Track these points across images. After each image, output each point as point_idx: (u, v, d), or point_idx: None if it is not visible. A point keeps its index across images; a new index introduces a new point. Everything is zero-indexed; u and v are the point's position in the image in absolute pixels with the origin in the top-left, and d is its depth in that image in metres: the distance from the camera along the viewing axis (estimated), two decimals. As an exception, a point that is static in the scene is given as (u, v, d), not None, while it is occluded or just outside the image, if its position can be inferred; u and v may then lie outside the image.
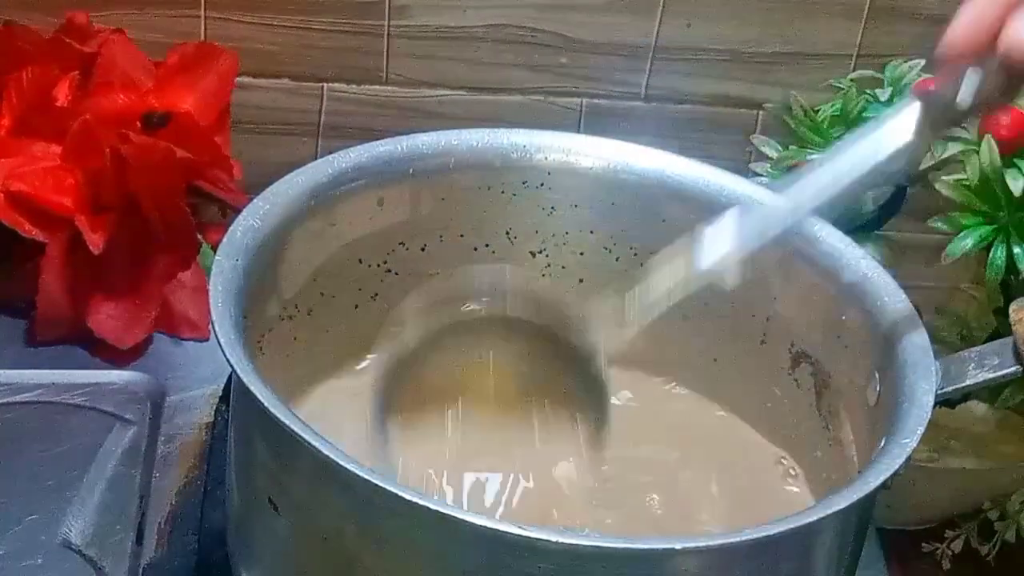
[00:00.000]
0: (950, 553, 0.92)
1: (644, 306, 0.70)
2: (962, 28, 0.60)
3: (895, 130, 0.64)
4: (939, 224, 0.83)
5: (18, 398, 0.81)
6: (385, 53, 0.98)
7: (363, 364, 0.79)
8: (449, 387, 0.73)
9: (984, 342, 0.70)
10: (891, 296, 0.70)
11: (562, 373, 0.72)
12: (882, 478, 0.60)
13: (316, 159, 0.74)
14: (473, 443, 0.72)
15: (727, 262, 0.67)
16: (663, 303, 0.69)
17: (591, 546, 0.57)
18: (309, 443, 0.58)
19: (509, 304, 0.73)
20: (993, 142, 0.80)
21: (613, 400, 0.81)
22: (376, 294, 0.78)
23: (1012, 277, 0.84)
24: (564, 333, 0.72)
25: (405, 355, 0.73)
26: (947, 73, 0.62)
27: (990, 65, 0.61)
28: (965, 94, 0.61)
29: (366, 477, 0.56)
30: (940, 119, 0.64)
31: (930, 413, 0.64)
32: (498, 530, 0.56)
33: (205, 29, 0.96)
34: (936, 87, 0.63)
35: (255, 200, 0.71)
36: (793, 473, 0.77)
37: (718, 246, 0.67)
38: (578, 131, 0.98)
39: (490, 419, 0.73)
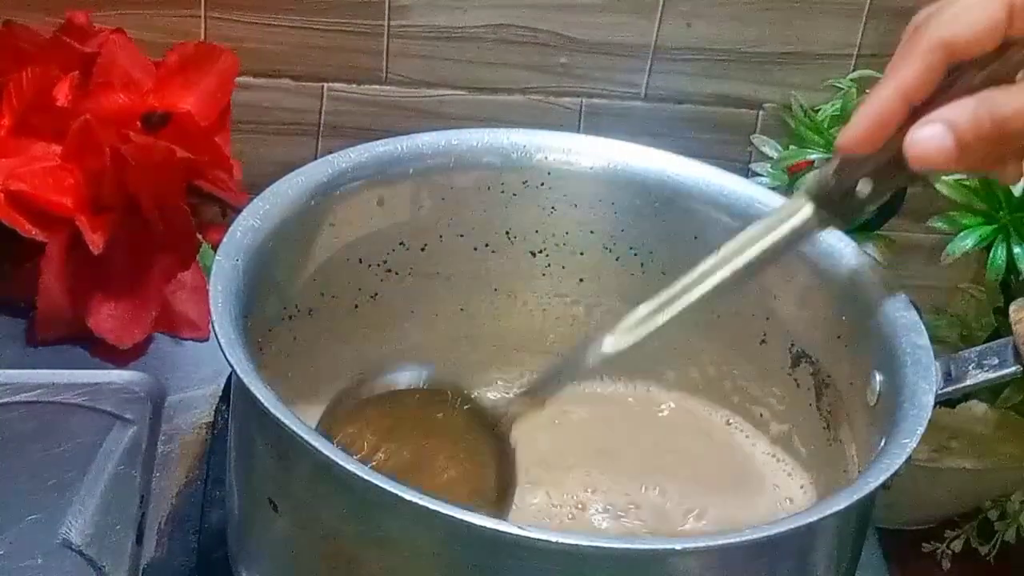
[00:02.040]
0: (950, 553, 0.92)
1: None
2: (865, 126, 0.62)
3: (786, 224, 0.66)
4: (939, 224, 0.83)
5: (18, 398, 0.81)
6: (385, 53, 0.98)
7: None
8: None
9: (984, 342, 0.71)
10: (891, 296, 0.70)
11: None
12: (882, 478, 0.60)
13: (316, 159, 0.74)
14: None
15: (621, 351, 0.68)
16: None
17: (591, 546, 0.57)
18: (309, 443, 0.58)
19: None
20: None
21: (614, 399, 0.81)
22: (376, 294, 0.78)
23: (1012, 277, 0.84)
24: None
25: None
26: (843, 166, 0.65)
27: (882, 162, 0.63)
28: (863, 192, 0.64)
29: (366, 477, 0.56)
30: (836, 209, 0.66)
31: (930, 413, 0.64)
32: (498, 530, 0.56)
33: (205, 29, 0.96)
34: (827, 175, 0.65)
35: (255, 200, 0.71)
36: (793, 473, 0.77)
37: (618, 340, 0.68)
38: (578, 131, 0.98)
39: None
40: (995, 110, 0.59)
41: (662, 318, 0.67)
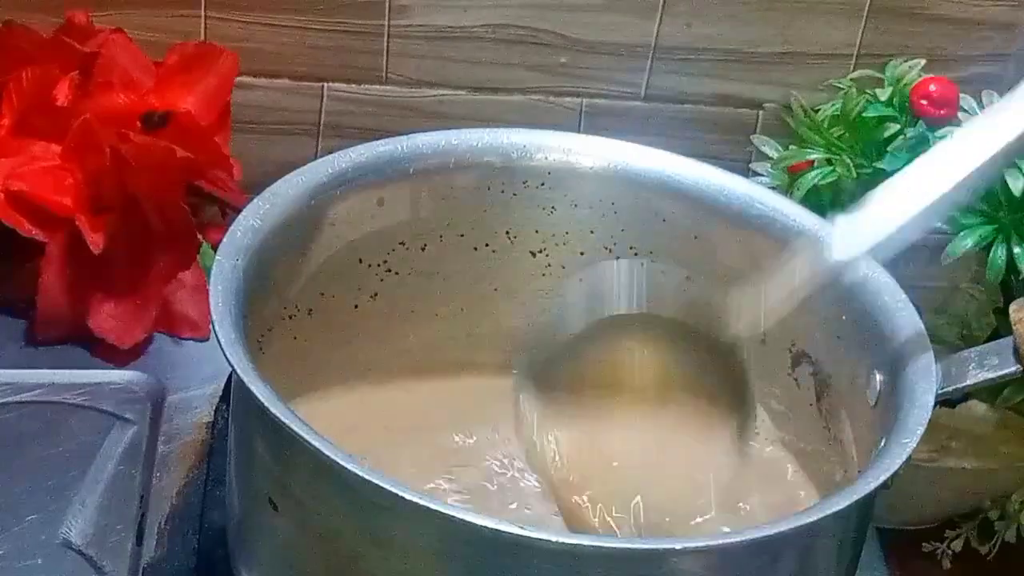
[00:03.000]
0: (950, 553, 0.92)
1: (773, 303, 0.68)
2: None
3: None
4: (939, 224, 0.83)
5: (18, 398, 0.81)
6: (385, 53, 0.98)
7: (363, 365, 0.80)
8: (599, 378, 0.72)
9: (984, 342, 0.71)
10: (891, 296, 0.70)
11: (705, 369, 0.71)
12: (882, 478, 0.60)
13: (316, 159, 0.75)
14: (617, 436, 0.73)
15: (860, 252, 0.65)
16: (792, 299, 0.68)
17: (591, 546, 0.57)
18: (309, 443, 0.58)
19: (650, 303, 0.71)
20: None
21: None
22: (376, 294, 0.78)
23: (1012, 277, 0.84)
24: (705, 330, 0.71)
25: (558, 348, 0.72)
26: None
27: None
28: None
29: (366, 477, 0.56)
30: None
31: (930, 413, 0.64)
32: (498, 530, 0.56)
33: (205, 29, 0.96)
34: None
35: (255, 200, 0.71)
36: (793, 473, 0.77)
37: (852, 238, 0.64)
38: (578, 131, 0.98)
39: (637, 411, 0.72)
40: None
41: (926, 196, 0.62)
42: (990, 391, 0.88)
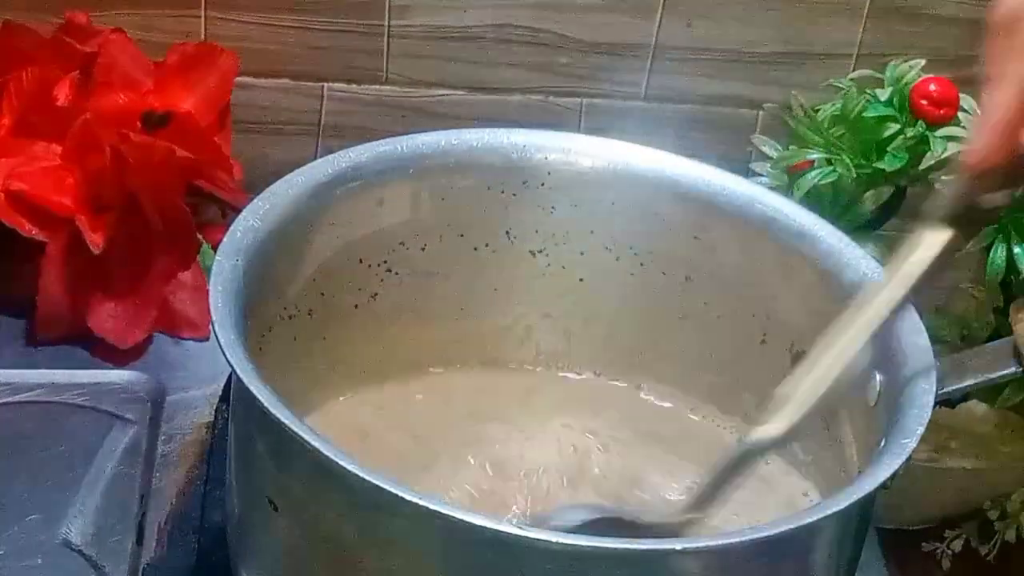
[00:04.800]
0: (950, 553, 0.92)
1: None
2: (990, 137, 0.59)
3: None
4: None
5: (18, 398, 0.81)
6: (385, 53, 0.98)
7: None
8: None
9: (984, 342, 0.71)
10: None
11: None
12: (882, 478, 0.60)
13: (316, 159, 0.74)
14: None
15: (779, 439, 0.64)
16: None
17: (591, 546, 0.57)
18: (309, 443, 0.58)
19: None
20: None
21: (613, 398, 0.81)
22: (376, 294, 0.78)
23: (1012, 277, 0.84)
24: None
25: None
26: (970, 185, 0.62)
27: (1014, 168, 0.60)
28: (997, 200, 0.62)
29: (366, 477, 0.56)
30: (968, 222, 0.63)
31: (930, 413, 0.64)
32: (498, 530, 0.56)
33: (205, 29, 0.96)
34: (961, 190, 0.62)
35: (255, 200, 0.71)
36: (793, 473, 0.77)
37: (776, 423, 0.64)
38: (578, 131, 0.98)
39: None
40: None
41: (820, 388, 0.63)
42: (990, 391, 0.88)
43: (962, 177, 0.62)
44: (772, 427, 0.63)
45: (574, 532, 0.62)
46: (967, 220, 0.63)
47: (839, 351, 0.64)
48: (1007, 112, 0.59)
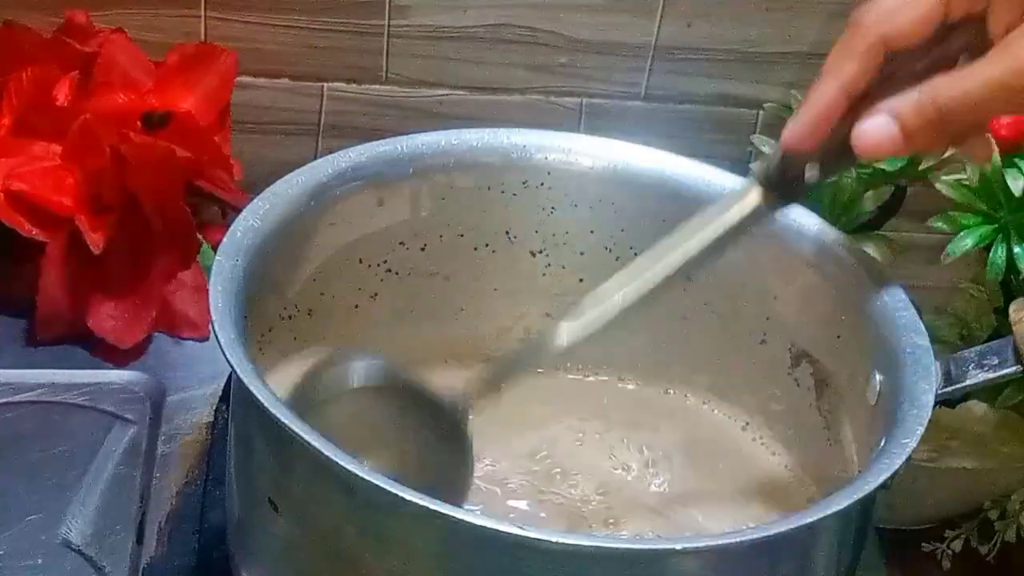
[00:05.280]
0: (950, 553, 0.92)
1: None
2: (808, 124, 0.64)
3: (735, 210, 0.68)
4: (939, 224, 0.83)
5: (18, 398, 0.81)
6: (385, 53, 0.98)
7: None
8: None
9: (984, 342, 0.71)
10: (891, 296, 0.70)
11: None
12: (882, 478, 0.60)
13: (316, 159, 0.74)
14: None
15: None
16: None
17: (591, 546, 0.57)
18: (309, 443, 0.58)
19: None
20: (993, 142, 0.80)
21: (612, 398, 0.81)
22: (376, 294, 0.78)
23: (1012, 277, 0.84)
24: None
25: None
26: (788, 156, 0.66)
27: (828, 150, 0.65)
28: (811, 176, 0.66)
29: (366, 477, 0.56)
30: (786, 190, 0.68)
31: (930, 413, 0.64)
32: (498, 530, 0.56)
33: (205, 29, 0.96)
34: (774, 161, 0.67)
35: (255, 200, 0.71)
36: (793, 473, 0.77)
37: (573, 329, 0.69)
38: (578, 131, 0.98)
39: None
40: (937, 97, 0.61)
41: (618, 304, 0.68)
42: (990, 391, 0.88)
43: (779, 151, 0.67)
44: (565, 334, 0.68)
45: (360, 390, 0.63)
46: (780, 188, 0.67)
47: (643, 280, 0.68)
48: (826, 105, 0.64)
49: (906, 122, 0.62)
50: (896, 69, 0.63)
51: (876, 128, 0.62)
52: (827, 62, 0.65)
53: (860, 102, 0.64)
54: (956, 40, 0.63)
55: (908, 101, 0.62)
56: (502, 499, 0.75)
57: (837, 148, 0.65)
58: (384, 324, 0.79)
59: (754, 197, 0.68)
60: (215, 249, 0.71)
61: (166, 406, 0.82)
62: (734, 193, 0.69)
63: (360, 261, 0.77)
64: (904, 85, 0.63)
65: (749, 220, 0.68)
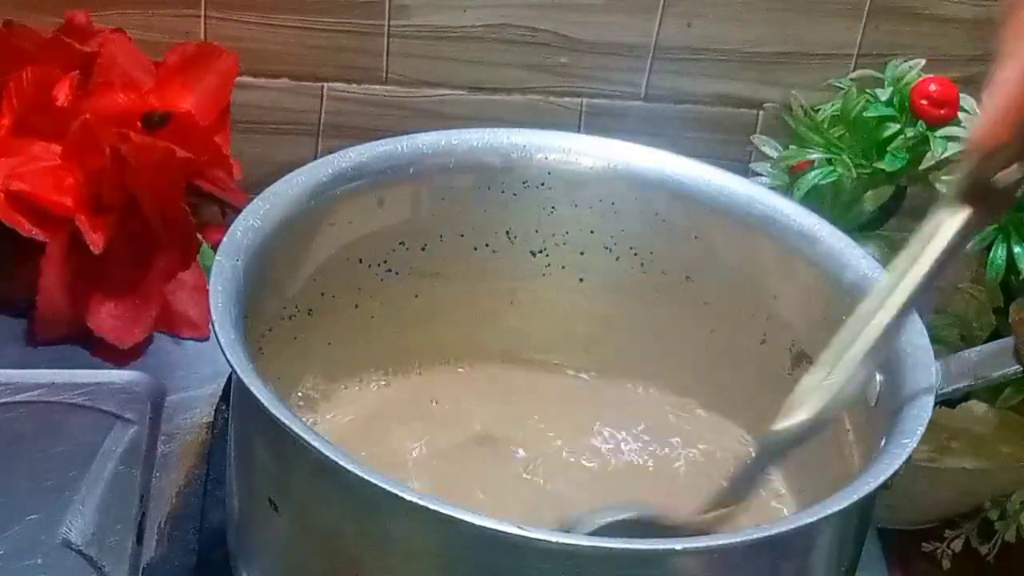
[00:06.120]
0: (950, 553, 0.92)
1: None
2: (998, 112, 0.59)
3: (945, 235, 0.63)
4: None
5: (18, 398, 0.81)
6: (385, 53, 0.98)
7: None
8: None
9: (984, 342, 0.71)
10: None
11: None
12: (882, 478, 0.60)
13: (316, 159, 0.74)
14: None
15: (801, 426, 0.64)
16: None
17: (591, 546, 0.57)
18: (309, 443, 0.58)
19: None
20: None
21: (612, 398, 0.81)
22: (376, 294, 0.78)
23: (1012, 277, 0.84)
24: None
25: None
26: (981, 164, 0.61)
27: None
28: (1015, 174, 0.61)
29: (366, 477, 0.56)
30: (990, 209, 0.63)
31: (930, 413, 0.64)
32: (498, 530, 0.56)
33: (205, 29, 0.96)
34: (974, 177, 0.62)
35: (255, 200, 0.71)
36: (792, 473, 0.77)
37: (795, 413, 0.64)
38: (578, 131, 0.98)
39: None
40: None
41: (855, 358, 0.64)
42: (990, 391, 0.88)
43: (972, 156, 0.61)
44: (793, 419, 0.64)
45: (603, 532, 0.62)
46: (984, 200, 0.62)
47: (866, 336, 0.64)
48: (1013, 87, 0.59)
49: None
50: None
51: None
52: (1002, 45, 0.59)
53: None
54: None
55: None
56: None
57: None
58: (384, 324, 0.79)
59: (959, 219, 0.62)
60: (215, 249, 0.71)
61: (166, 406, 0.82)
62: (934, 221, 0.63)
63: (360, 261, 0.77)
64: None
65: (960, 245, 0.63)
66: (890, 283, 0.64)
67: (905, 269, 0.63)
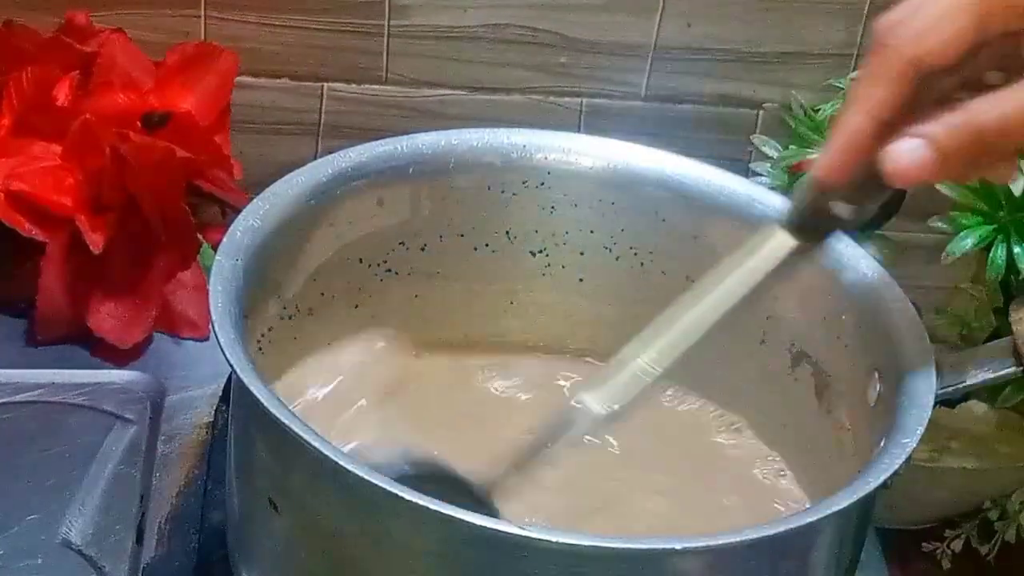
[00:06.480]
0: (950, 553, 0.92)
1: None
2: (837, 154, 0.61)
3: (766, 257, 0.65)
4: (939, 224, 0.83)
5: (18, 398, 0.81)
6: (385, 53, 0.98)
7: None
8: None
9: (984, 342, 0.71)
10: (891, 296, 0.70)
11: None
12: (882, 478, 0.60)
13: (316, 159, 0.74)
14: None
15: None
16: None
17: (591, 546, 0.57)
18: (309, 443, 0.58)
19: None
20: (1020, 164, 0.79)
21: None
22: (376, 294, 0.78)
23: (1012, 277, 0.84)
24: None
25: None
26: (817, 199, 0.63)
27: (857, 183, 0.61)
28: (841, 213, 0.63)
29: (366, 477, 0.56)
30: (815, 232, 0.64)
31: (930, 413, 0.64)
32: (498, 530, 0.56)
33: (205, 29, 0.96)
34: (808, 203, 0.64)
35: (255, 200, 0.71)
36: (793, 473, 0.77)
37: (607, 399, 0.66)
38: (578, 131, 0.98)
39: None
40: (973, 120, 0.58)
41: (650, 373, 0.65)
42: (990, 391, 0.88)
43: (811, 189, 0.63)
44: (600, 404, 0.65)
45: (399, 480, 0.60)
46: (816, 227, 0.64)
47: (673, 339, 0.66)
48: (855, 136, 0.60)
49: (940, 146, 0.57)
50: (924, 90, 0.59)
51: (908, 152, 0.58)
52: (853, 89, 0.60)
53: (889, 129, 0.59)
54: (986, 57, 0.59)
55: (942, 125, 0.58)
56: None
57: (867, 181, 0.61)
58: (384, 324, 0.79)
59: (780, 243, 0.64)
60: (215, 249, 0.71)
61: (166, 406, 0.82)
62: (758, 240, 0.65)
63: (360, 261, 0.77)
64: (930, 106, 0.58)
65: (779, 269, 0.65)
66: (696, 295, 0.66)
67: (715, 284, 0.65)
